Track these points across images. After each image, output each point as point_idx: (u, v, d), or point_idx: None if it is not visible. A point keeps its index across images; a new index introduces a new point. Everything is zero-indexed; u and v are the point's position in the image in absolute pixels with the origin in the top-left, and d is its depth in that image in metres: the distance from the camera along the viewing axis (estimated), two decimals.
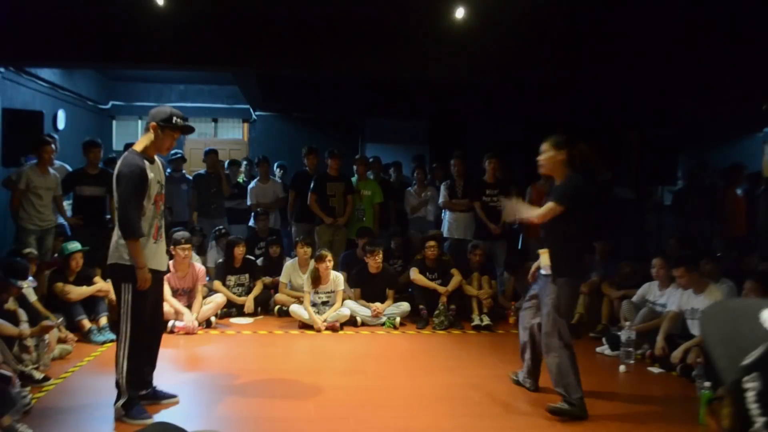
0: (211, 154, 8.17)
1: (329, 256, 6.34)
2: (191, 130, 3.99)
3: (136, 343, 3.75)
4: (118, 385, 3.75)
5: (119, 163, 3.76)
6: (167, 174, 8.00)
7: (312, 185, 7.32)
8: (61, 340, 4.99)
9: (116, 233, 3.74)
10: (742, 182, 8.07)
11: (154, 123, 3.75)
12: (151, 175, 3.73)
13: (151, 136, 3.77)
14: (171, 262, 5.66)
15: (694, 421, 3.84)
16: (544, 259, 3.98)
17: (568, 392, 3.87)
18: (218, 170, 8.10)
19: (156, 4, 6.23)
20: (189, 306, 6.02)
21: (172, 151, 8.74)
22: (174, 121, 3.76)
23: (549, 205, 3.84)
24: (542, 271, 4.01)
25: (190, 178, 8.31)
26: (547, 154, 3.91)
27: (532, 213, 3.97)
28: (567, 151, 3.87)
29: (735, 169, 7.95)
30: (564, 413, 3.85)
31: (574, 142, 3.93)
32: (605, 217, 7.39)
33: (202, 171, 8.24)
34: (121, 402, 3.73)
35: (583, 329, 6.11)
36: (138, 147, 3.79)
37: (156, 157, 3.87)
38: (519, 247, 7.90)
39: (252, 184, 8.28)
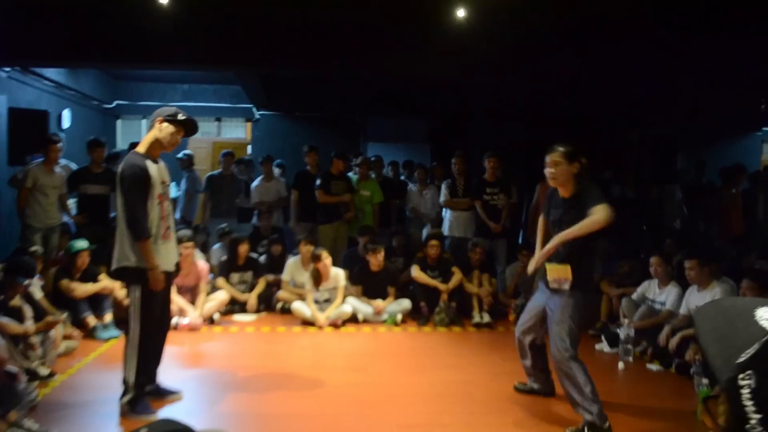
0: (227, 156, 8.26)
1: (325, 253, 6.39)
2: (195, 128, 3.99)
3: (144, 342, 3.80)
4: (125, 381, 3.81)
5: (122, 164, 3.80)
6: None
7: (319, 182, 7.38)
8: (66, 337, 5.05)
9: (118, 236, 3.77)
10: (742, 183, 8.09)
11: (160, 117, 3.80)
12: (154, 174, 3.78)
13: (155, 134, 3.82)
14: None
15: (692, 418, 3.87)
16: (558, 271, 3.69)
17: (590, 411, 3.63)
18: (232, 172, 8.22)
19: (160, 4, 6.27)
20: (192, 303, 6.09)
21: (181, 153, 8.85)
22: (178, 117, 3.82)
23: (601, 208, 3.50)
24: (556, 286, 3.71)
25: (196, 175, 8.37)
26: (561, 167, 3.66)
27: (571, 233, 3.56)
28: (578, 163, 3.68)
29: (736, 170, 7.95)
30: None
31: (580, 152, 3.73)
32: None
33: (215, 172, 8.34)
34: (127, 398, 3.78)
35: None
36: (141, 148, 3.84)
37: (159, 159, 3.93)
38: (520, 242, 7.93)
39: (256, 182, 8.34)
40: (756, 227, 7.79)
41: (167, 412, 3.88)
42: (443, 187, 7.56)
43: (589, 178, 3.78)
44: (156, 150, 3.87)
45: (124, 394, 3.80)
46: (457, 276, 6.66)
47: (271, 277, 7.00)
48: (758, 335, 0.83)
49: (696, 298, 5.14)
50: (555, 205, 3.84)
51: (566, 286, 3.66)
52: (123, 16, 6.54)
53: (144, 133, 10.69)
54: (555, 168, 3.68)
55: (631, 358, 5.17)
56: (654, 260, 5.64)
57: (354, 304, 6.44)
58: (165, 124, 3.81)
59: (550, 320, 3.79)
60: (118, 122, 11.45)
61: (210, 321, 6.17)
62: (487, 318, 6.40)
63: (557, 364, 3.75)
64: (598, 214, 3.48)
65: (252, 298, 6.66)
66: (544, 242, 3.88)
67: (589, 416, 3.63)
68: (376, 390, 4.44)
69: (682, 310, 5.24)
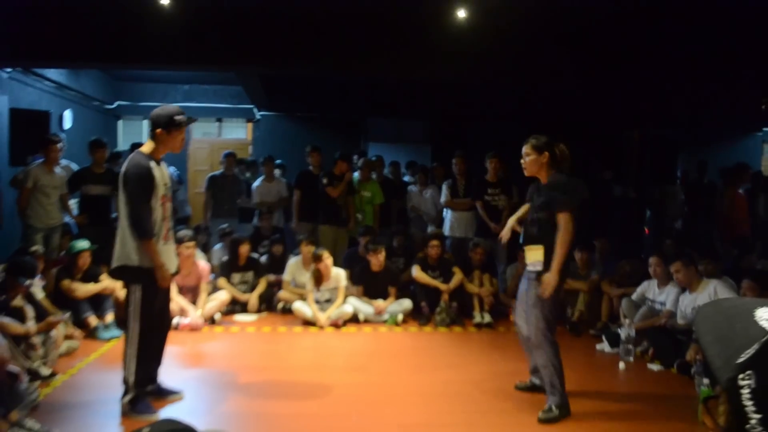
0: (229, 157, 8.27)
1: (326, 254, 6.40)
2: (193, 120, 4.05)
3: (144, 342, 3.80)
4: (125, 381, 3.82)
5: (125, 164, 3.81)
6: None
7: (326, 180, 7.38)
8: (67, 337, 5.06)
9: (120, 235, 3.77)
10: (746, 182, 8.08)
11: (159, 130, 3.81)
12: (157, 175, 3.79)
13: (159, 140, 3.83)
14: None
15: (693, 418, 3.86)
16: (532, 255, 3.94)
17: (554, 393, 3.88)
18: (234, 173, 8.23)
19: (161, 4, 6.28)
20: (193, 303, 6.09)
21: None
22: (177, 121, 3.83)
23: (564, 218, 3.77)
24: (530, 267, 3.96)
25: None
26: (529, 158, 3.98)
27: (560, 253, 3.77)
28: (549, 153, 3.93)
29: (739, 170, 7.94)
30: (554, 419, 3.84)
31: (554, 142, 3.98)
32: (605, 216, 7.42)
33: (217, 172, 8.35)
34: (127, 398, 3.79)
35: (583, 327, 6.16)
36: (145, 149, 3.85)
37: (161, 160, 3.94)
38: (521, 241, 7.92)
39: (257, 182, 8.35)
40: (758, 228, 7.78)
41: (168, 411, 3.89)
42: (444, 187, 7.56)
43: (570, 166, 4.00)
44: (159, 153, 3.88)
45: (125, 393, 3.81)
46: (457, 276, 6.66)
47: (272, 277, 7.01)
48: (758, 335, 0.83)
49: (688, 301, 5.14)
50: (533, 189, 4.16)
51: (539, 268, 3.87)
52: (124, 17, 6.55)
53: (145, 133, 10.82)
54: (526, 159, 4.00)
55: (632, 358, 5.18)
56: (653, 260, 5.65)
57: (355, 304, 6.45)
58: (166, 134, 3.82)
59: (527, 303, 3.98)
60: (120, 123, 11.46)
61: (211, 321, 6.17)
62: (488, 318, 6.41)
63: (533, 345, 3.96)
64: (564, 232, 3.76)
65: (253, 299, 6.67)
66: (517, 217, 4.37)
67: (554, 398, 3.88)
68: (377, 390, 4.45)
69: (680, 320, 5.24)
